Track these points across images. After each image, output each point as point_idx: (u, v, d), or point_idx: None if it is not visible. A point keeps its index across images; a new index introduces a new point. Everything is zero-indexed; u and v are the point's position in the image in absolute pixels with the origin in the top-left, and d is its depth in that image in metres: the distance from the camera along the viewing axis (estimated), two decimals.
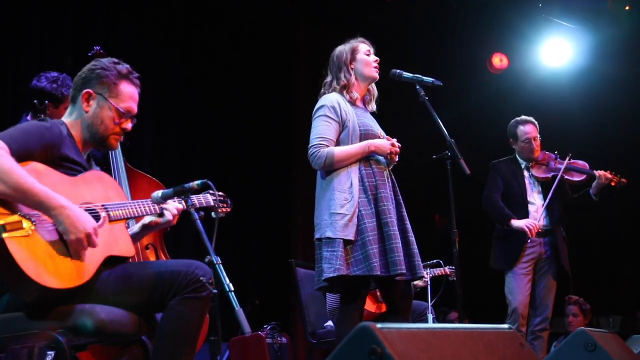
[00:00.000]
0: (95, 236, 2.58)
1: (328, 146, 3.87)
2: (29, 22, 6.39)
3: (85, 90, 2.86)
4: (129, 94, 2.92)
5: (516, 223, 5.43)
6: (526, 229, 5.35)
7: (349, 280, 3.76)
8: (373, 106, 4.17)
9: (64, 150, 2.73)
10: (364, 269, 3.69)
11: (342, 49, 4.11)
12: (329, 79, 4.11)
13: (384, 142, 3.90)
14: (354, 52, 4.07)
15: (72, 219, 2.52)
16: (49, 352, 3.91)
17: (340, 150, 3.86)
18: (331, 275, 3.71)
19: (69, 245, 2.55)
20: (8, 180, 2.42)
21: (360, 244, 3.73)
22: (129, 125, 2.94)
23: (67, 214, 2.51)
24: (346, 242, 3.74)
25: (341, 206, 3.78)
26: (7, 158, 2.47)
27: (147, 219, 3.01)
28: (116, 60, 2.97)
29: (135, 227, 3.07)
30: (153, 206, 2.88)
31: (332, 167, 3.88)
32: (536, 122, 5.72)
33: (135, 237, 3.07)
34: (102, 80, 2.87)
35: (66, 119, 2.90)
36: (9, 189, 2.43)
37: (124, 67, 2.94)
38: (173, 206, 2.92)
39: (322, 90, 4.13)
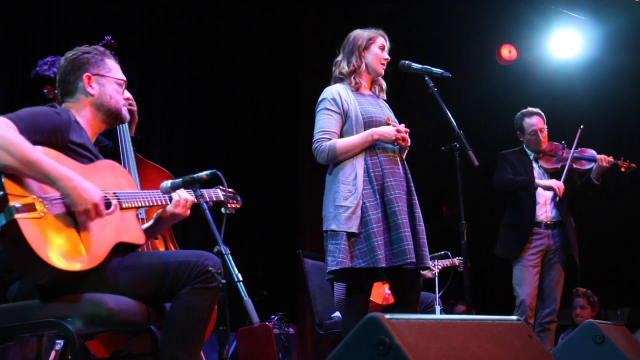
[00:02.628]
0: (102, 206, 2.60)
1: (330, 139, 3.87)
2: (38, 13, 6.40)
3: (85, 75, 2.92)
4: (116, 66, 3.04)
5: (543, 182, 5.46)
6: (555, 188, 5.39)
7: (355, 273, 3.76)
8: (383, 97, 4.16)
9: (73, 135, 2.75)
10: (368, 261, 3.68)
11: (360, 33, 4.09)
12: (339, 57, 4.11)
13: (388, 129, 3.86)
14: (369, 40, 4.05)
15: (79, 190, 2.54)
16: (58, 341, 3.96)
17: (342, 142, 3.85)
18: (334, 268, 3.73)
19: (77, 217, 2.57)
20: (14, 152, 2.44)
21: (364, 236, 3.72)
22: (127, 93, 3.08)
23: (74, 185, 2.53)
24: (350, 235, 3.74)
25: (345, 199, 3.78)
26: (13, 132, 2.49)
27: (159, 210, 3.02)
28: (87, 45, 3.05)
29: (151, 221, 3.08)
30: (164, 197, 2.89)
31: (336, 160, 3.88)
32: (542, 114, 5.71)
33: (151, 231, 3.07)
34: (90, 61, 2.95)
35: (71, 108, 2.91)
36: (15, 161, 2.43)
37: (99, 47, 3.06)
38: (183, 196, 2.92)
39: (332, 70, 4.12)
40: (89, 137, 2.87)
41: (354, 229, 3.72)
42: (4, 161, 2.43)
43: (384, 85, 4.16)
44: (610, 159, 5.52)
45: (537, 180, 5.47)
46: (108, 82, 2.95)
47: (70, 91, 2.94)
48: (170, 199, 2.92)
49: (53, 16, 6.51)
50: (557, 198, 5.45)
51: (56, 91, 4.17)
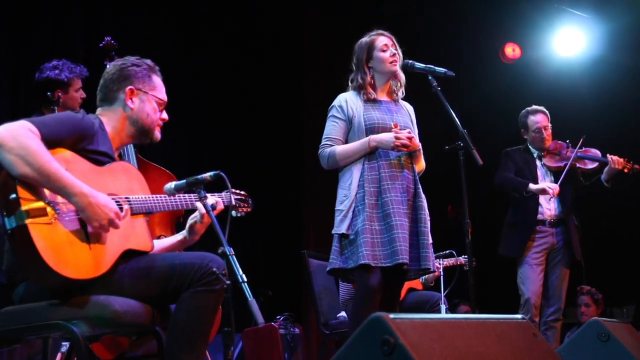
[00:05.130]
0: (118, 220, 2.61)
1: (333, 146, 3.99)
2: (40, 14, 6.41)
3: (128, 88, 2.91)
4: (161, 85, 3.03)
5: (535, 186, 5.43)
6: (548, 190, 5.36)
7: (350, 272, 3.89)
8: (401, 93, 4.16)
9: (95, 142, 2.76)
10: (355, 260, 3.78)
11: (360, 46, 4.12)
12: (353, 74, 4.16)
13: (386, 136, 3.90)
14: (370, 49, 4.08)
15: (94, 207, 2.55)
16: (63, 343, 3.96)
17: (341, 149, 3.98)
18: (328, 269, 3.97)
19: (91, 231, 2.58)
20: (34, 162, 2.44)
21: (353, 237, 3.83)
22: (165, 114, 3.03)
23: (90, 202, 2.54)
24: (342, 237, 3.88)
25: (340, 203, 3.94)
26: (36, 141, 2.49)
27: (190, 221, 3.03)
28: (137, 57, 3.03)
29: (179, 235, 3.09)
30: (175, 202, 2.90)
31: (337, 165, 4.01)
32: (547, 112, 5.71)
33: (181, 243, 3.09)
34: (138, 75, 2.94)
35: (102, 115, 2.92)
36: (33, 172, 2.44)
37: (149, 61, 3.03)
38: (212, 200, 2.95)
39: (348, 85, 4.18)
40: (111, 146, 2.88)
41: (343, 230, 3.85)
42: (22, 170, 2.44)
43: (403, 79, 4.15)
44: (620, 159, 5.50)
45: (530, 185, 5.44)
46: (149, 100, 2.95)
47: (109, 99, 2.94)
48: (185, 204, 2.94)
49: (54, 17, 6.52)
50: (550, 198, 5.43)
51: (60, 94, 4.21)
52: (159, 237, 3.85)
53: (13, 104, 6.10)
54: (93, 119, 2.83)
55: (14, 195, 2.43)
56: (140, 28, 7.21)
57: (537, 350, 2.32)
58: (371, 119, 3.97)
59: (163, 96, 3.02)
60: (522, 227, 5.57)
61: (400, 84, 4.15)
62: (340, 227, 3.87)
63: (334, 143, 4.00)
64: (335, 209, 3.96)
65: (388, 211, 3.81)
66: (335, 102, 4.08)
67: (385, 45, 4.07)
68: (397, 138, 3.86)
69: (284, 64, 8.48)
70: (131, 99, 2.92)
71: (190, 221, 3.03)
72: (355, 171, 3.92)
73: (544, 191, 5.40)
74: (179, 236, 3.10)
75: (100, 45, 4.21)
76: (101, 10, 6.89)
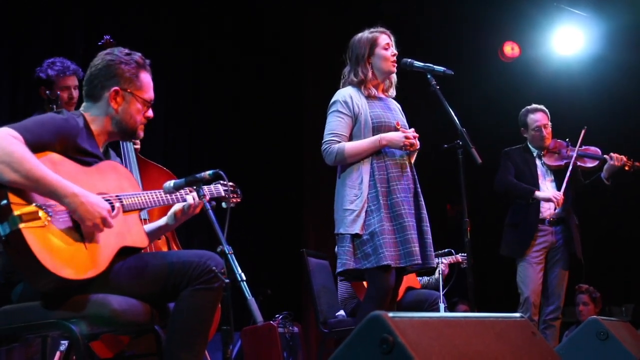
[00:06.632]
0: (111, 218, 2.60)
1: (339, 142, 3.92)
2: (40, 13, 6.41)
3: (112, 89, 2.85)
4: (148, 83, 2.95)
5: (542, 194, 5.44)
6: (553, 200, 5.37)
7: (364, 273, 3.85)
8: (393, 92, 4.16)
9: (79, 142, 2.74)
10: (372, 261, 3.75)
11: (361, 41, 4.07)
12: (347, 69, 4.12)
13: (396, 135, 3.89)
14: (372, 46, 4.04)
15: (86, 206, 2.54)
16: (62, 342, 3.97)
17: (350, 146, 3.91)
18: (339, 270, 3.87)
19: (85, 231, 2.57)
20: (20, 168, 2.43)
21: (368, 237, 3.79)
22: (150, 112, 2.97)
23: (81, 201, 2.53)
24: (355, 237, 3.82)
25: (351, 202, 3.86)
26: (20, 147, 2.48)
27: (175, 208, 3.01)
28: (127, 50, 2.96)
29: (162, 220, 3.08)
30: (166, 197, 2.89)
31: (344, 163, 3.93)
32: (547, 110, 5.71)
33: (162, 230, 3.09)
34: (124, 75, 2.87)
35: (86, 112, 2.89)
36: (21, 178, 2.43)
37: (138, 57, 2.95)
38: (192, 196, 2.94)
39: (341, 81, 4.14)
40: (97, 144, 2.86)
41: (357, 230, 3.80)
42: (9, 177, 2.42)
43: (394, 79, 4.16)
44: (623, 157, 5.50)
45: (537, 193, 5.45)
46: (133, 101, 2.89)
47: (93, 96, 2.89)
48: (177, 199, 2.93)
49: (54, 17, 6.52)
50: (556, 208, 5.44)
51: (48, 92, 4.23)
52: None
53: (13, 104, 6.11)
54: (77, 118, 2.80)
55: (4, 202, 2.42)
56: (140, 28, 7.20)
57: (536, 348, 2.32)
58: (378, 117, 3.95)
59: (149, 96, 2.94)
60: (523, 228, 5.56)
61: (391, 83, 4.15)
62: (353, 226, 3.81)
63: (340, 139, 3.92)
64: (344, 208, 3.87)
65: (400, 212, 3.81)
66: (339, 98, 4.00)
67: (387, 44, 4.06)
68: (406, 137, 3.87)
69: (284, 64, 8.48)
70: (115, 99, 2.85)
71: (175, 207, 3.00)
72: (364, 170, 3.88)
73: (549, 200, 5.41)
74: (160, 222, 3.08)
75: (100, 44, 4.20)
76: (101, 10, 6.89)
